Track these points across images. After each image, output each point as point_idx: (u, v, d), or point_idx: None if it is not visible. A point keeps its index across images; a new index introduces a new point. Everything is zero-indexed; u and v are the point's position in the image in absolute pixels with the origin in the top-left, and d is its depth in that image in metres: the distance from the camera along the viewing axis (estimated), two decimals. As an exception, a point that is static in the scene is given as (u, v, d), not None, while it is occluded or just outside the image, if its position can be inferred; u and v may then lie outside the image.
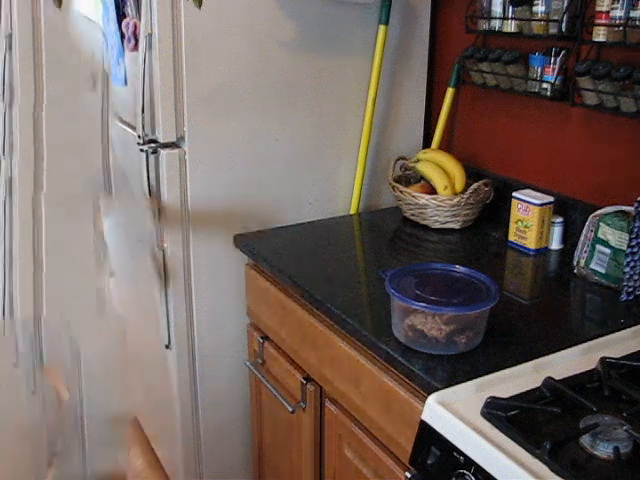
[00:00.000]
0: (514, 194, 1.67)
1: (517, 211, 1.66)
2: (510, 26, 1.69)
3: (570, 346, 1.20)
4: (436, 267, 1.32)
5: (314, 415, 1.50)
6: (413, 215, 1.82)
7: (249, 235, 1.72)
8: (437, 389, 1.08)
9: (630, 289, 1.38)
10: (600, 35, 1.47)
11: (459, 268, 1.30)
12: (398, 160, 1.94)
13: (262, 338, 1.70)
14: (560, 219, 1.65)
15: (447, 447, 1.01)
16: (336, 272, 1.53)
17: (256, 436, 1.86)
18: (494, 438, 0.96)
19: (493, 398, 1.02)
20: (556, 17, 1.56)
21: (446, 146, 1.98)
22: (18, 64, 2.02)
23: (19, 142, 2.01)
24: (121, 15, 1.73)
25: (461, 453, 0.99)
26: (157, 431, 2.20)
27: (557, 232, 1.65)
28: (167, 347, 1.82)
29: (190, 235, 1.73)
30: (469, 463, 0.97)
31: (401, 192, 1.82)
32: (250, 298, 1.74)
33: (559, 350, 1.19)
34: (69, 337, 1.75)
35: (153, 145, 1.66)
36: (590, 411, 1.00)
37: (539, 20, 1.61)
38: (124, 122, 1.86)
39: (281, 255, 1.61)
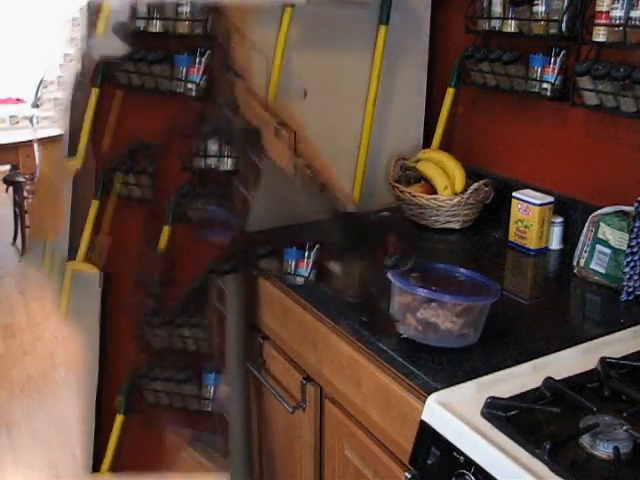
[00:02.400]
0: (514, 194, 1.67)
1: (517, 211, 1.66)
2: (510, 26, 1.70)
3: (570, 346, 1.20)
4: (438, 266, 1.33)
5: (314, 415, 1.50)
6: (413, 215, 1.81)
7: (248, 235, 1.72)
8: (437, 389, 1.08)
9: (630, 289, 1.38)
10: (600, 35, 1.47)
11: (459, 269, 1.31)
12: (398, 160, 1.93)
13: (262, 338, 1.70)
14: (560, 219, 1.65)
15: (447, 447, 1.01)
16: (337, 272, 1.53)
17: (256, 436, 1.85)
18: (494, 438, 0.96)
19: (493, 398, 1.02)
20: (556, 17, 1.56)
21: (446, 146, 1.98)
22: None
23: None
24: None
25: (461, 453, 0.99)
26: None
27: (557, 232, 1.65)
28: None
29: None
30: (469, 463, 0.97)
31: (401, 192, 1.82)
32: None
33: (559, 350, 1.19)
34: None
35: None
36: (590, 411, 1.00)
37: (539, 20, 1.61)
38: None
39: (281, 255, 1.61)
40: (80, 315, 1.88)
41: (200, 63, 1.53)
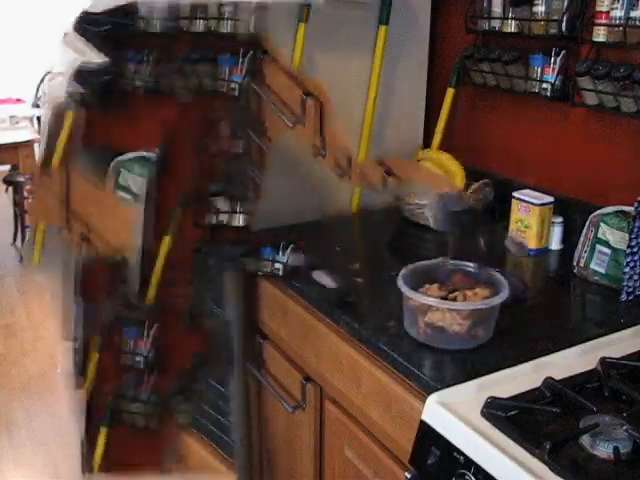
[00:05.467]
0: (514, 194, 1.67)
1: (517, 211, 1.65)
2: (510, 26, 1.70)
3: (570, 346, 1.20)
4: (447, 263, 1.34)
5: (314, 415, 1.50)
6: (413, 215, 1.81)
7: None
8: (437, 389, 1.08)
9: (630, 289, 1.38)
10: (600, 35, 1.47)
11: (468, 263, 1.31)
12: (398, 160, 1.93)
13: (262, 338, 1.70)
14: (560, 219, 1.65)
15: (447, 447, 1.01)
16: (336, 272, 1.53)
17: (256, 436, 1.85)
18: (494, 438, 0.96)
19: (493, 398, 1.02)
20: (556, 17, 1.56)
21: (446, 146, 1.98)
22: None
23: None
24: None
25: (461, 453, 0.99)
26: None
27: (557, 232, 1.65)
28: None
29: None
30: (469, 463, 0.97)
31: (401, 192, 1.82)
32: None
33: (559, 350, 1.19)
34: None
35: None
36: (590, 411, 1.00)
37: (539, 20, 1.61)
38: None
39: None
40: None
41: (243, 63, 1.55)
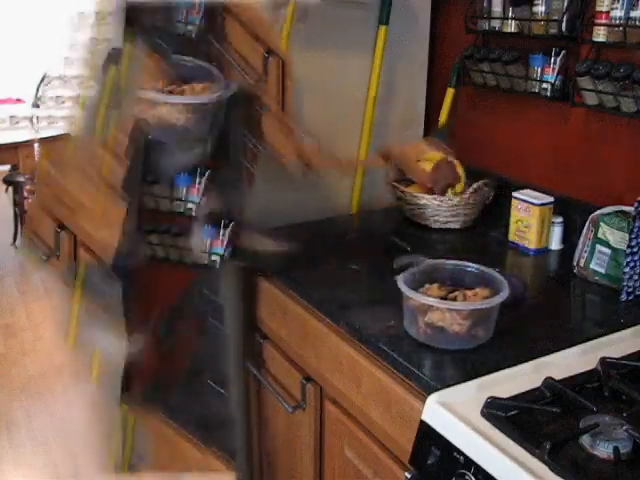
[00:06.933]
0: (514, 194, 1.67)
1: (517, 211, 1.65)
2: (510, 26, 1.70)
3: (570, 346, 1.20)
4: (447, 264, 1.34)
5: (314, 415, 1.50)
6: (413, 215, 1.81)
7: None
8: (437, 389, 1.08)
9: (630, 289, 1.38)
10: (600, 35, 1.47)
11: (470, 264, 1.32)
12: (398, 160, 1.93)
13: (262, 338, 1.70)
14: (560, 219, 1.65)
15: (447, 447, 1.01)
16: (336, 272, 1.53)
17: (256, 436, 1.85)
18: (494, 438, 0.96)
19: (493, 398, 1.02)
20: (556, 17, 1.56)
21: (446, 146, 1.98)
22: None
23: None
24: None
25: (461, 453, 0.99)
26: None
27: (557, 232, 1.65)
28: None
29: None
30: (469, 463, 0.97)
31: (401, 192, 1.82)
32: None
33: (559, 350, 1.19)
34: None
35: None
36: (590, 411, 1.00)
37: (539, 20, 1.61)
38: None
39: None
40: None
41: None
